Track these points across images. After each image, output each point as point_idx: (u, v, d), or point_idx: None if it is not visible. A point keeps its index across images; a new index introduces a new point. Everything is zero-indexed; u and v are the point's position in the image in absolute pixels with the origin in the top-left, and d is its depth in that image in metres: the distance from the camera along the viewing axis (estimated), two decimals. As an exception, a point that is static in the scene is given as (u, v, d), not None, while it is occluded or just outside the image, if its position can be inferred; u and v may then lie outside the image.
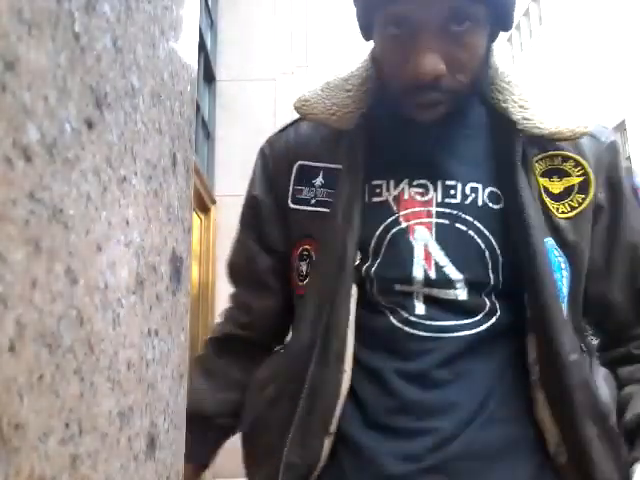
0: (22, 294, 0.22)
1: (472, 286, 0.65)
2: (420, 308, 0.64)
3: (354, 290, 0.65)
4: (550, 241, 0.65)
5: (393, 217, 0.66)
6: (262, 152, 0.79)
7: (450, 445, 0.60)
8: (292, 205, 0.72)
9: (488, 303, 0.65)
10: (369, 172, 0.68)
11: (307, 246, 0.70)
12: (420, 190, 0.67)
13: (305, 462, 0.62)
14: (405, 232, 0.65)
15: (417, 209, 0.66)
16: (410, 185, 0.67)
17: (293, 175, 0.73)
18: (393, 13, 0.61)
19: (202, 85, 4.11)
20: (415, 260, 0.64)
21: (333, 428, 0.63)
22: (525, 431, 0.64)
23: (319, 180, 0.70)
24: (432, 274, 0.64)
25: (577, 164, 0.67)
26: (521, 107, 0.67)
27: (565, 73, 14.55)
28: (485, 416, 0.62)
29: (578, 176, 0.67)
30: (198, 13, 0.50)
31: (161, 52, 0.39)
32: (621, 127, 12.30)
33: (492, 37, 0.67)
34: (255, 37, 4.32)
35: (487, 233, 0.65)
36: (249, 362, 0.77)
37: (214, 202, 4.13)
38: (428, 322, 0.64)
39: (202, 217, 4.03)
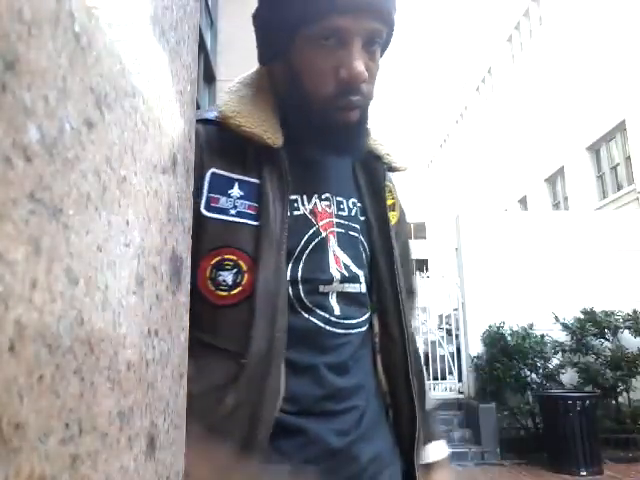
0: (22, 294, 0.22)
1: (365, 281, 0.81)
2: (337, 309, 0.77)
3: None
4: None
5: (314, 228, 0.77)
6: None
7: (364, 418, 0.77)
8: (206, 213, 0.71)
9: (368, 296, 0.82)
10: None
11: (230, 256, 0.71)
12: (327, 203, 0.80)
13: None
14: (324, 240, 0.78)
15: (327, 220, 0.79)
16: (320, 199, 0.79)
17: (207, 182, 0.72)
18: (328, 26, 0.69)
19: (202, 85, 4.10)
20: (331, 263, 0.77)
21: (271, 424, 0.70)
22: (381, 395, 0.83)
23: (236, 191, 0.73)
24: (344, 272, 0.78)
25: (390, 191, 0.90)
26: (380, 144, 0.87)
27: (565, 73, 14.55)
28: (372, 391, 0.81)
29: (392, 199, 0.90)
30: (198, 13, 0.50)
31: (161, 52, 0.39)
32: (621, 127, 12.30)
33: None
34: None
35: (363, 239, 0.83)
36: None
37: (214, 202, 4.12)
38: (343, 321, 0.77)
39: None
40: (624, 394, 5.70)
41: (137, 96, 0.34)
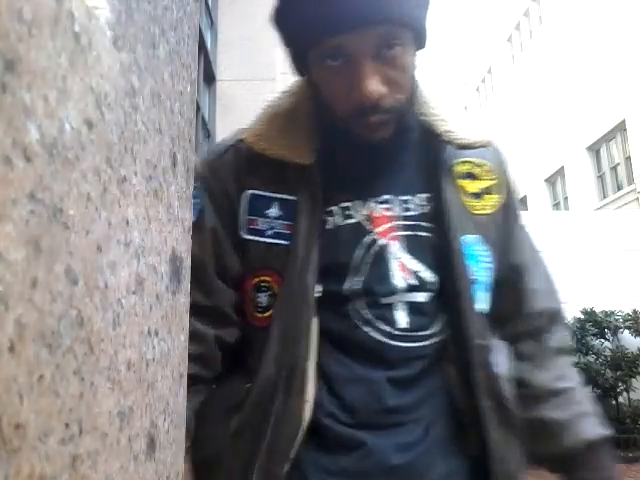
0: (22, 294, 0.22)
1: (435, 288, 0.72)
2: (403, 321, 0.70)
3: (315, 322, 0.68)
4: (469, 238, 0.73)
5: (370, 236, 0.70)
6: (205, 180, 0.72)
7: (430, 432, 0.70)
8: (246, 236, 0.70)
9: (436, 303, 0.73)
10: (335, 196, 0.71)
11: (266, 278, 0.70)
12: (386, 206, 0.72)
13: None
14: (383, 248, 0.70)
15: (388, 225, 0.71)
16: (377, 202, 0.72)
17: (244, 204, 0.71)
18: (329, 46, 0.64)
19: (202, 85, 4.10)
20: (394, 272, 0.70)
21: (293, 454, 0.66)
22: (447, 407, 0.73)
23: (274, 211, 0.70)
24: (412, 281, 0.70)
25: (489, 170, 0.77)
26: (442, 120, 0.75)
27: (565, 73, 14.55)
28: (443, 406, 0.73)
29: (490, 179, 0.77)
30: (198, 13, 0.50)
31: (161, 52, 0.39)
32: (621, 127, 12.30)
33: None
34: (255, 37, 4.32)
35: (437, 238, 0.73)
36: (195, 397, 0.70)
37: (214, 202, 4.13)
38: (411, 334, 0.70)
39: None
40: (624, 394, 5.69)
41: (137, 96, 0.34)
